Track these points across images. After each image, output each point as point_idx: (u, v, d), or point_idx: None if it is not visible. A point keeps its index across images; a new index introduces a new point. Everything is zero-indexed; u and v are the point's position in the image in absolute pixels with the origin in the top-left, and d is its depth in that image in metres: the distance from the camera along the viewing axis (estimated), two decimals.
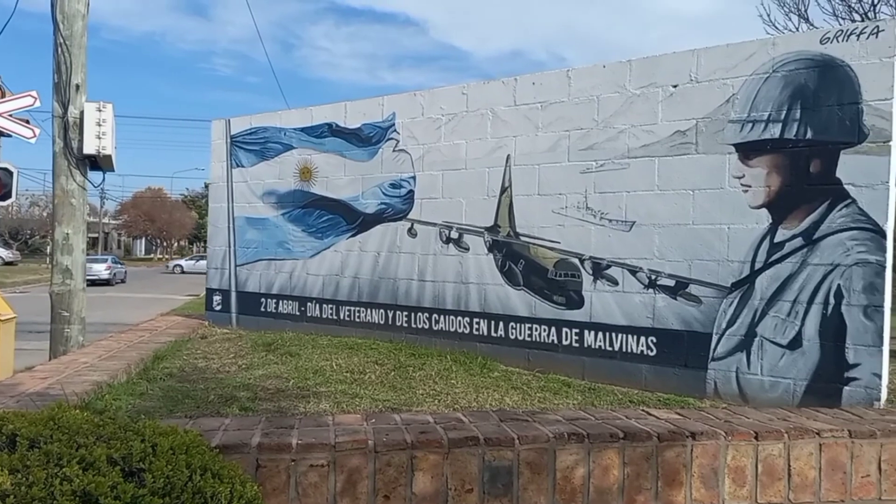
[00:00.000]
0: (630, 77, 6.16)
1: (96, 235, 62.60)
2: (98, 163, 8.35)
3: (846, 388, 5.09)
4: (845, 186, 5.13)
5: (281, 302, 8.94)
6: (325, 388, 5.45)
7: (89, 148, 7.96)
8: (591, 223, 6.34)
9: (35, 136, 8.47)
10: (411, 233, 7.69)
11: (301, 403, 4.95)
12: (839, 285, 5.14)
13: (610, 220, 6.24)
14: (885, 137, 4.99)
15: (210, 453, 2.81)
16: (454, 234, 7.33)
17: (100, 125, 7.98)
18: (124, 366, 5.97)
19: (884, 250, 5.00)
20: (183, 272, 51.42)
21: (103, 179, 9.00)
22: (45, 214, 60.22)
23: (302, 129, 8.71)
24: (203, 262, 54.00)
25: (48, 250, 52.68)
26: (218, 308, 9.57)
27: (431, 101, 7.56)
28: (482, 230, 7.10)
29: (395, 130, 7.84)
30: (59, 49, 7.87)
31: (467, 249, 7.22)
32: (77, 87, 7.99)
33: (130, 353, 6.80)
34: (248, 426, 3.87)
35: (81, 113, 7.99)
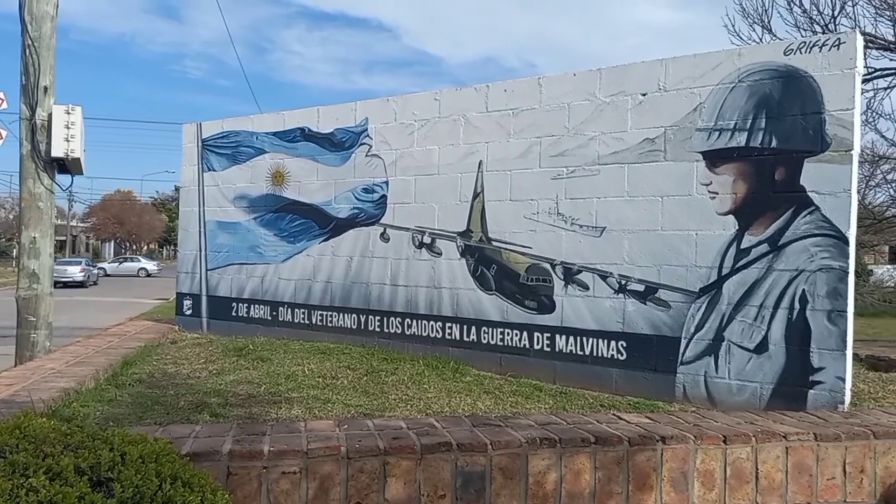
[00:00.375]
0: (600, 85, 6.23)
1: (64, 238, 61.71)
2: (66, 166, 8.24)
3: (811, 391, 5.19)
4: (809, 194, 5.23)
5: (252, 306, 8.89)
6: (296, 394, 5.44)
7: (57, 151, 7.86)
8: (562, 229, 6.40)
9: (2, 138, 8.35)
10: (384, 237, 7.70)
11: (273, 409, 4.93)
12: (804, 290, 5.23)
13: (581, 226, 6.29)
14: (846, 146, 5.10)
15: (180, 461, 2.79)
16: (427, 239, 7.35)
17: (68, 128, 7.88)
18: (92, 372, 5.91)
19: (847, 256, 5.10)
20: (106, 275, 49.15)
21: (72, 183, 8.87)
22: (10, 217, 59.28)
23: (274, 134, 8.68)
24: (127, 265, 53.43)
25: (14, 254, 51.83)
26: (188, 312, 9.50)
27: (404, 107, 7.58)
28: (455, 235, 7.13)
29: (367, 135, 7.84)
30: (28, 51, 7.77)
31: (440, 254, 7.24)
32: (45, 89, 7.88)
33: (99, 358, 6.72)
34: (218, 433, 3.85)
35: (50, 115, 7.87)
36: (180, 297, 9.66)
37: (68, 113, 7.92)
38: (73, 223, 71.10)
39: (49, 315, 8.12)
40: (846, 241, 5.11)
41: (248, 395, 5.38)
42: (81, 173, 8.64)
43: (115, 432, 2.83)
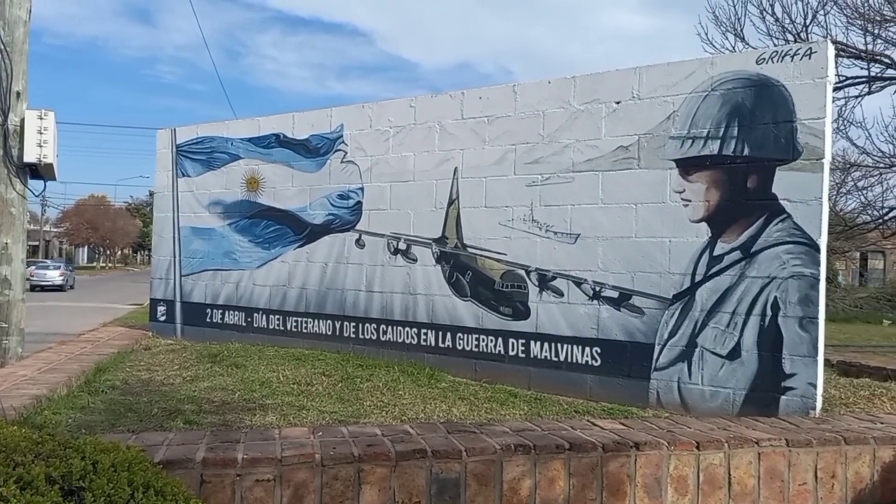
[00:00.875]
0: (574, 93, 6.27)
1: (37, 243, 60.92)
2: (39, 171, 8.15)
3: (783, 397, 5.24)
4: (781, 202, 5.30)
5: (227, 312, 8.84)
6: (271, 401, 5.41)
7: (30, 156, 7.77)
8: (537, 235, 6.43)
9: None
10: (359, 244, 7.69)
11: (247, 416, 4.90)
12: (776, 297, 5.29)
13: (555, 233, 6.33)
14: (818, 155, 5.18)
15: (153, 469, 2.77)
16: (402, 246, 7.35)
17: (41, 133, 7.79)
18: (65, 378, 5.85)
19: (818, 263, 5.18)
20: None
21: (44, 188, 8.77)
22: None
23: (249, 140, 8.65)
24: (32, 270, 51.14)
25: None
26: (162, 319, 9.42)
27: (380, 114, 7.58)
28: (430, 241, 7.14)
29: (343, 142, 7.84)
30: (0, 56, 7.68)
31: (415, 260, 7.24)
32: (18, 94, 7.79)
33: (72, 365, 6.65)
34: (192, 440, 3.83)
35: (22, 121, 7.78)
36: (154, 302, 9.59)
37: (41, 118, 7.83)
38: (47, 228, 70.24)
39: (21, 321, 8.01)
40: (817, 249, 5.18)
41: (223, 402, 5.34)
42: (54, 179, 8.55)
43: (87, 440, 2.80)
